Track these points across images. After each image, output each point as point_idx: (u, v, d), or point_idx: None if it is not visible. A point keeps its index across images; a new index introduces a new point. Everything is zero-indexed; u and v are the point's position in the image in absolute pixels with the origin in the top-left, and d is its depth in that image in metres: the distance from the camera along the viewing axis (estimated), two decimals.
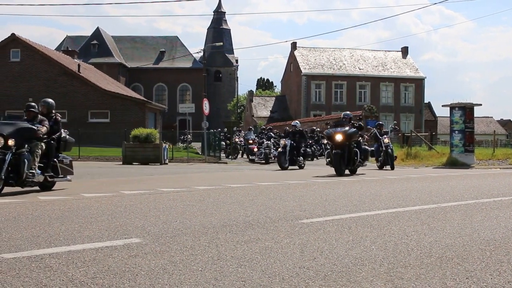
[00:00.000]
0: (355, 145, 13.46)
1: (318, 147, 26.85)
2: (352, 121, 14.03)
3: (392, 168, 16.75)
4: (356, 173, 13.63)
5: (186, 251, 3.76)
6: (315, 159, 24.90)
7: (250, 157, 24.63)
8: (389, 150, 16.81)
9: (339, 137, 12.82)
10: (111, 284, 2.94)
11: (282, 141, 17.41)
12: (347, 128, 13.17)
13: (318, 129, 28.18)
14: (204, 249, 3.82)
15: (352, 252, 3.76)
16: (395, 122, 22.76)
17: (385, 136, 17.41)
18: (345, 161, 12.81)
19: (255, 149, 23.95)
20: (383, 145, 16.89)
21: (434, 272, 3.24)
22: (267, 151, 21.93)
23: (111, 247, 3.86)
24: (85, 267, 3.29)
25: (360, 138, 14.36)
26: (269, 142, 22.69)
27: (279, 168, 16.08)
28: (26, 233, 4.44)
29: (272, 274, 3.17)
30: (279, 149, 16.99)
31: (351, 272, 3.22)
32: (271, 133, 24.94)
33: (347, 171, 13.28)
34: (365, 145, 15.51)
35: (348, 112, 15.00)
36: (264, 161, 21.81)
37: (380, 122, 18.72)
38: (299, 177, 12.14)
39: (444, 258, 3.60)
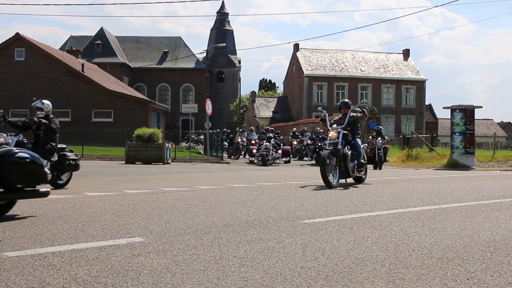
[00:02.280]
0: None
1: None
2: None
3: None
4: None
5: (188, 250, 3.78)
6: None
7: (250, 159, 24.44)
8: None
9: None
10: (114, 282, 2.96)
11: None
12: None
13: (322, 130, 27.97)
14: (207, 249, 3.84)
15: (353, 253, 3.78)
16: (364, 100, 14.37)
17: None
18: None
19: (254, 151, 23.71)
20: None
21: (435, 273, 3.26)
22: (265, 153, 21.72)
23: (114, 246, 3.89)
24: (88, 265, 3.31)
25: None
26: (268, 143, 22.48)
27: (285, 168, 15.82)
28: (30, 232, 4.46)
29: (274, 274, 3.19)
30: None
31: (353, 273, 3.24)
32: (270, 134, 24.75)
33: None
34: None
35: None
36: (261, 163, 21.58)
37: (346, 100, 10.84)
38: None
39: (445, 259, 3.61)
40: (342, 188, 9.00)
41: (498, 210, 6.32)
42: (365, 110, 10.43)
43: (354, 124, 10.17)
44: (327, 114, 10.63)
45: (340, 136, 9.67)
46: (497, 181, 11.86)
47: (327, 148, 9.58)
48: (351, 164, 9.67)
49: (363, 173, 10.31)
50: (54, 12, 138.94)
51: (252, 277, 3.10)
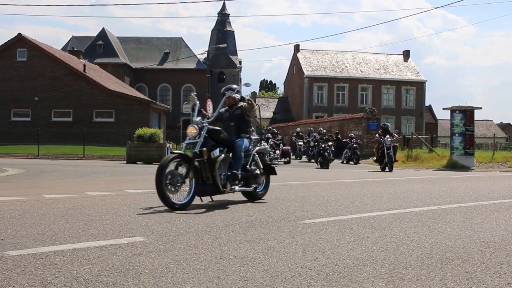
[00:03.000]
0: None
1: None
2: None
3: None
4: None
5: (189, 250, 3.80)
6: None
7: None
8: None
9: None
10: (115, 282, 2.97)
11: None
12: None
13: (324, 130, 27.66)
14: (207, 248, 3.85)
15: (353, 253, 3.79)
16: (248, 82, 9.75)
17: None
18: None
19: None
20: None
21: (434, 273, 3.27)
22: None
23: (115, 245, 3.90)
24: (90, 264, 3.32)
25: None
26: (265, 144, 22.20)
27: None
28: (31, 231, 4.48)
29: (275, 273, 3.20)
30: None
31: (353, 273, 3.25)
32: (269, 135, 24.51)
33: None
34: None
35: None
36: None
37: (234, 86, 7.77)
38: None
39: (445, 259, 3.63)
40: (204, 210, 5.97)
41: (498, 211, 6.33)
42: (244, 96, 7.45)
43: (242, 118, 7.13)
44: (198, 103, 6.96)
45: (203, 133, 6.45)
46: (496, 182, 11.88)
47: (174, 152, 6.33)
48: (221, 175, 6.46)
49: (254, 186, 7.09)
50: (56, 13, 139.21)
51: (253, 277, 3.11)
